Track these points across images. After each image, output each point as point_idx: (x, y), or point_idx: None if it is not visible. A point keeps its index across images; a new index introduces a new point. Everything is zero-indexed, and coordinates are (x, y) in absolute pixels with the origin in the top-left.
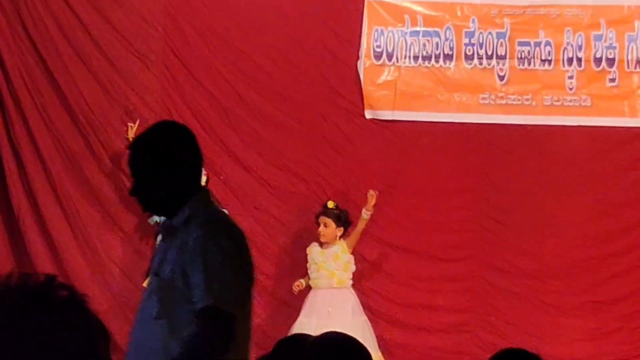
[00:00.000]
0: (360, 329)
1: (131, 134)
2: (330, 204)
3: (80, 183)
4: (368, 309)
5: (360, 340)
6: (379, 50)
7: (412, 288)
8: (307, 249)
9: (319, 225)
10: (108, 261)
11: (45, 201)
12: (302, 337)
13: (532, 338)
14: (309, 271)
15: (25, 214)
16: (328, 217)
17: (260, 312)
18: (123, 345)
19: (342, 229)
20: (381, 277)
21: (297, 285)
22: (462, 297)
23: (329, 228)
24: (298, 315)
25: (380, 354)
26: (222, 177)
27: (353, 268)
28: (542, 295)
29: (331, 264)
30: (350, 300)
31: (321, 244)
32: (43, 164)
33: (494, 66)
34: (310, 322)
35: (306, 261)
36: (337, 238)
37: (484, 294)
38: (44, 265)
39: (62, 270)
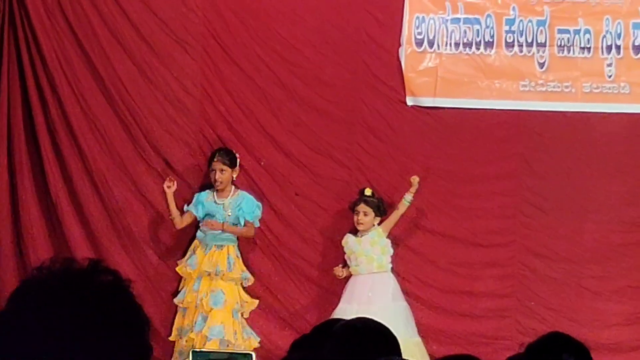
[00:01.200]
0: (400, 314)
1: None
2: (368, 192)
3: (118, 168)
4: (408, 294)
5: (400, 325)
6: (420, 37)
7: (452, 274)
8: (342, 241)
9: (355, 213)
10: (144, 246)
11: (82, 187)
12: (334, 322)
13: (571, 322)
14: (348, 262)
15: (63, 200)
16: (368, 206)
17: (300, 298)
18: (159, 329)
19: (379, 218)
20: (422, 263)
21: (339, 271)
22: (502, 282)
23: (368, 217)
24: (339, 301)
25: (420, 338)
26: (262, 163)
27: (391, 251)
28: (581, 280)
29: (368, 249)
30: (390, 284)
31: (355, 233)
32: (80, 150)
33: (534, 53)
34: (352, 308)
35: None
36: (373, 227)
37: (524, 280)
38: (81, 250)
39: (99, 256)
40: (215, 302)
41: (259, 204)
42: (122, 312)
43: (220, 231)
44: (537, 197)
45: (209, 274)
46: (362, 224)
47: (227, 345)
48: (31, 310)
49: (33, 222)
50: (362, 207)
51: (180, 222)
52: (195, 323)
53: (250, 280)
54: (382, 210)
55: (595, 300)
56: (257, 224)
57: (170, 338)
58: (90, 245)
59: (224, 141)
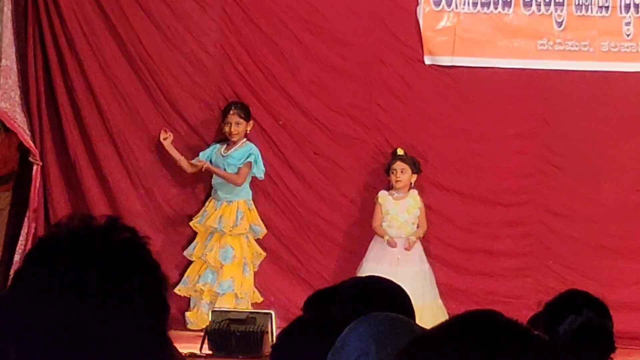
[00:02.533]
0: (424, 277)
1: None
2: (401, 151)
3: (137, 128)
4: (428, 254)
5: (426, 287)
6: None
7: (471, 233)
8: (378, 196)
9: (392, 172)
10: (164, 204)
11: (102, 146)
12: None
13: (590, 281)
14: (377, 217)
15: (82, 159)
16: (405, 163)
17: (318, 256)
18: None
19: (416, 175)
20: (441, 223)
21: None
22: (522, 241)
23: (405, 174)
24: (358, 260)
25: (440, 301)
26: (281, 122)
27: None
28: (601, 239)
29: (405, 215)
30: (418, 248)
31: (392, 193)
32: (99, 109)
33: (552, 12)
34: (380, 268)
35: (371, 206)
36: (411, 185)
37: (543, 239)
38: (100, 209)
39: (117, 214)
40: (224, 257)
41: (257, 154)
42: (140, 270)
43: (230, 186)
44: (556, 156)
45: (218, 231)
46: (400, 181)
47: (237, 299)
48: (49, 268)
49: (52, 181)
50: (398, 165)
51: (188, 165)
52: (200, 276)
53: (262, 233)
54: (417, 167)
55: (614, 259)
56: (261, 176)
57: (175, 290)
58: (109, 204)
59: (242, 100)
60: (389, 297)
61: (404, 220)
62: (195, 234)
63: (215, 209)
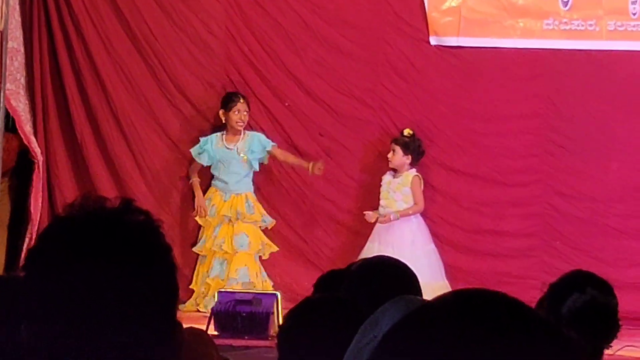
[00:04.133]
0: (431, 257)
1: None
2: (406, 132)
3: (143, 110)
4: (434, 234)
5: (425, 268)
6: None
7: (477, 213)
8: (382, 177)
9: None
10: (170, 187)
11: (107, 127)
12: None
13: (596, 262)
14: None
15: (88, 141)
16: (397, 144)
17: (326, 239)
18: (185, 272)
19: (409, 157)
20: (447, 203)
21: (370, 216)
22: (528, 222)
23: (396, 155)
24: (365, 243)
25: (446, 282)
26: (287, 104)
27: (411, 201)
28: (607, 219)
29: (392, 193)
30: (423, 229)
31: (394, 173)
32: (105, 91)
33: None
34: (385, 250)
35: (376, 187)
36: (406, 166)
37: (549, 219)
38: (106, 190)
39: (123, 196)
40: (240, 244)
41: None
42: (154, 253)
43: (240, 178)
44: (561, 136)
45: (230, 220)
46: (390, 161)
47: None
48: (63, 247)
49: (59, 162)
50: (392, 145)
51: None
52: (211, 269)
53: (271, 223)
54: (412, 149)
55: (620, 239)
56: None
57: (191, 286)
58: (115, 185)
59: (247, 82)
60: (397, 277)
61: (391, 197)
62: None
63: (225, 201)
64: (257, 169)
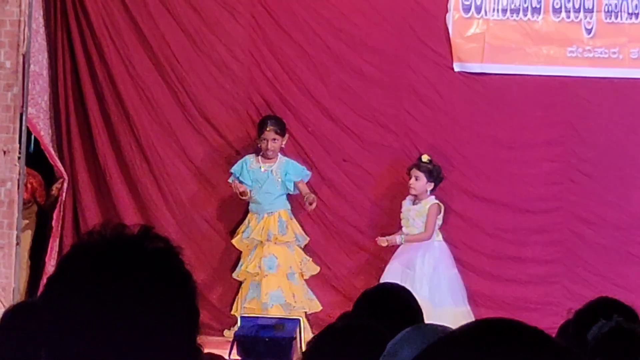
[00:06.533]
0: (453, 282)
1: None
2: (425, 158)
3: (167, 135)
4: (456, 260)
5: (450, 293)
6: (467, 3)
7: (500, 239)
8: (403, 203)
9: (410, 177)
10: (194, 214)
11: (131, 153)
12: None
13: (619, 289)
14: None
15: (112, 167)
16: (420, 170)
17: (348, 264)
18: (212, 300)
19: (432, 184)
20: (469, 229)
21: (383, 241)
22: (550, 248)
23: (419, 181)
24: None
25: (468, 307)
26: (310, 129)
27: (438, 224)
28: (629, 246)
29: (414, 219)
30: (446, 254)
31: (414, 199)
32: (128, 117)
33: (581, 19)
34: (407, 273)
35: (398, 212)
36: (427, 192)
37: (571, 246)
38: (129, 216)
39: (146, 222)
40: (269, 266)
41: (304, 166)
42: (173, 280)
43: (272, 196)
44: (584, 163)
45: (261, 242)
46: (413, 188)
47: (290, 310)
48: (82, 275)
49: (82, 188)
50: (414, 172)
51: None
52: (249, 292)
53: (305, 240)
54: (435, 176)
55: None
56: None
57: (232, 312)
58: (138, 211)
59: (271, 107)
60: (397, 302)
61: (412, 225)
62: (224, 241)
63: (257, 222)
64: (292, 192)
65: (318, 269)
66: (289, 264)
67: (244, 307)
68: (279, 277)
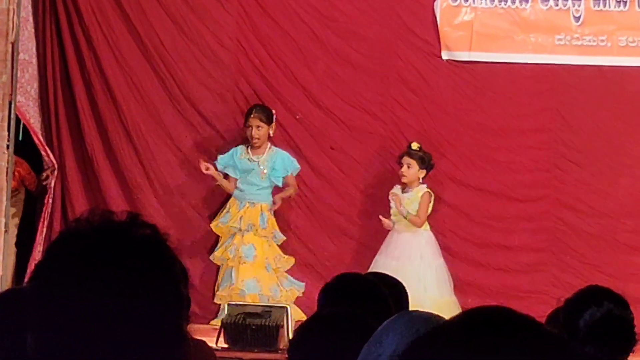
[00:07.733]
0: (439, 272)
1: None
2: (415, 145)
3: (154, 123)
4: (444, 248)
5: (436, 283)
6: None
7: (487, 227)
8: (390, 192)
9: (401, 165)
10: (181, 200)
11: (118, 140)
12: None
13: (606, 277)
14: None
15: (99, 155)
16: (412, 158)
17: (336, 252)
18: (197, 285)
19: (424, 171)
20: (457, 217)
21: (386, 223)
22: (537, 236)
23: (411, 169)
24: (374, 255)
25: (454, 297)
26: (298, 117)
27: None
28: (616, 234)
29: (406, 209)
30: (422, 244)
31: (404, 186)
32: (115, 102)
33: (569, 7)
34: (395, 263)
35: (387, 200)
36: (420, 180)
37: (559, 234)
38: (116, 202)
39: (133, 208)
40: (247, 255)
41: (294, 159)
42: (159, 266)
43: (258, 187)
44: (572, 151)
45: (240, 229)
46: (405, 175)
47: (268, 300)
48: (69, 261)
49: (70, 176)
50: (405, 159)
51: (229, 186)
52: (222, 278)
53: (281, 239)
54: (426, 163)
55: (630, 254)
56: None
57: (215, 300)
58: (126, 198)
59: (259, 95)
60: (368, 290)
61: (402, 214)
62: (211, 229)
63: (238, 210)
64: (280, 185)
65: (293, 260)
66: (266, 256)
67: (217, 294)
68: (255, 267)
